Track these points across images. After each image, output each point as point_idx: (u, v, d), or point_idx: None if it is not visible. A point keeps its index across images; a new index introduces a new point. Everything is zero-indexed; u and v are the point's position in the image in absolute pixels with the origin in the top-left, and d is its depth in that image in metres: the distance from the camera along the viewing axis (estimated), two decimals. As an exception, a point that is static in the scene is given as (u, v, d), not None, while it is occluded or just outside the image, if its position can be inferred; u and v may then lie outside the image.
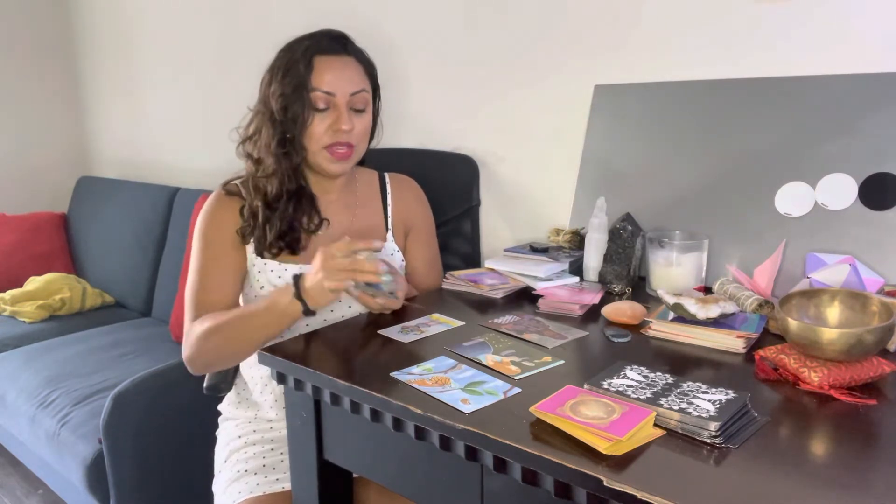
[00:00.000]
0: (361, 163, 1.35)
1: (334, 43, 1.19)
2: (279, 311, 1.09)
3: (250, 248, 1.21)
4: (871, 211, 1.14)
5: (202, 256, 1.20)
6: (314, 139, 1.17)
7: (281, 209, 1.19)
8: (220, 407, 1.35)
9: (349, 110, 1.18)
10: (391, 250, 1.31)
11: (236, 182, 1.24)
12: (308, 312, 1.08)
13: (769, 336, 1.02)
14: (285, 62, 1.17)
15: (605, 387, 0.82)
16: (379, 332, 1.07)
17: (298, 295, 1.07)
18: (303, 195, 1.22)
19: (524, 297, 1.24)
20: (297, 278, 1.09)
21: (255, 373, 1.26)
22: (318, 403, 1.00)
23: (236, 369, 1.34)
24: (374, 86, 1.25)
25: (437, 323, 1.11)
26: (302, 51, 1.17)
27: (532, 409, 0.77)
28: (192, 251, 1.22)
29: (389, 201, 1.34)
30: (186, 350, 1.16)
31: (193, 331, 1.15)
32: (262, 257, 1.20)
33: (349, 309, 1.22)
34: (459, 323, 1.11)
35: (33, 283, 2.57)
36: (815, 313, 0.94)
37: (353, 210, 1.30)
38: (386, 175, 1.37)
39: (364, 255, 1.06)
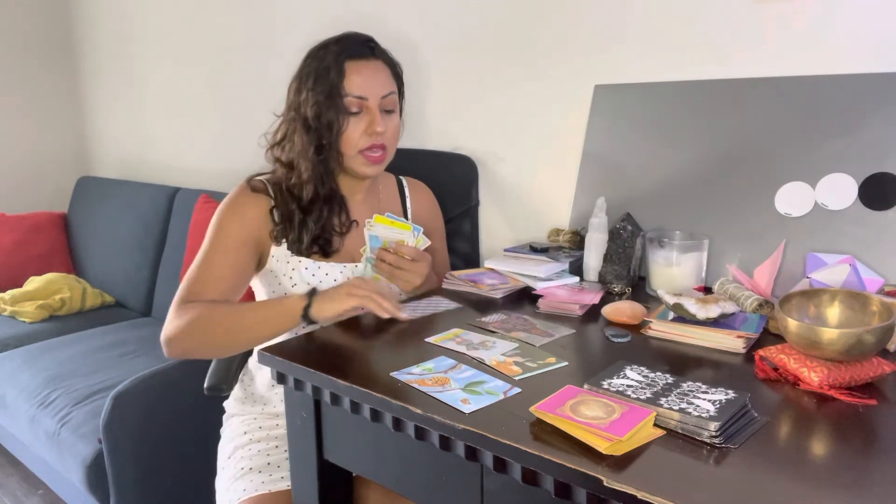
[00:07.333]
0: None
1: (363, 47, 1.20)
2: (280, 306, 1.10)
3: (283, 246, 1.22)
4: (871, 211, 1.14)
5: (212, 245, 1.19)
6: (350, 144, 1.18)
7: (316, 213, 1.21)
8: (225, 404, 1.35)
9: (381, 112, 1.19)
10: None
11: (262, 178, 1.24)
12: (307, 316, 1.09)
13: (769, 336, 1.02)
14: (315, 69, 1.17)
15: (605, 387, 0.82)
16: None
17: (309, 297, 1.09)
18: (334, 198, 1.24)
19: (524, 297, 1.24)
20: (314, 291, 1.11)
21: (266, 368, 1.26)
22: (318, 403, 1.00)
23: (238, 369, 1.34)
24: (400, 85, 1.27)
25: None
26: (332, 57, 1.17)
27: (532, 409, 0.77)
28: (206, 236, 1.20)
29: (409, 204, 1.38)
30: (170, 330, 1.13)
31: (182, 313, 1.12)
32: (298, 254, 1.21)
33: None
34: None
35: (33, 283, 2.57)
36: (815, 313, 0.94)
37: (378, 211, 1.31)
38: (402, 179, 1.40)
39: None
